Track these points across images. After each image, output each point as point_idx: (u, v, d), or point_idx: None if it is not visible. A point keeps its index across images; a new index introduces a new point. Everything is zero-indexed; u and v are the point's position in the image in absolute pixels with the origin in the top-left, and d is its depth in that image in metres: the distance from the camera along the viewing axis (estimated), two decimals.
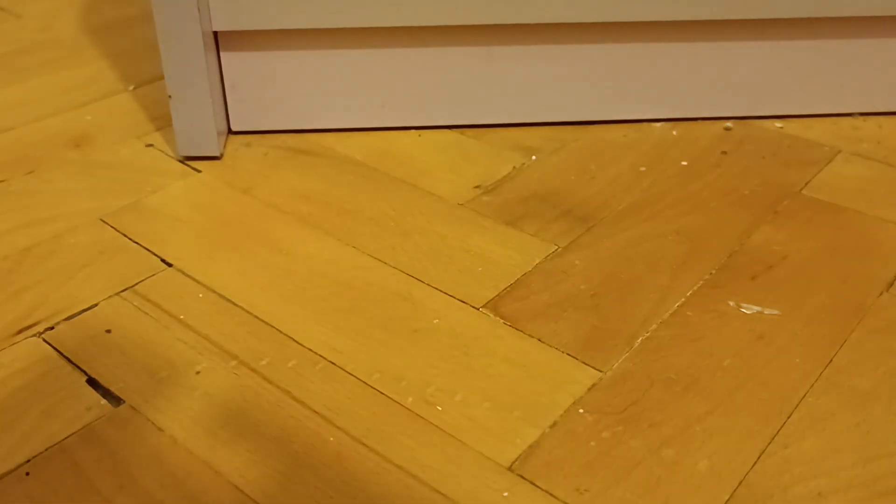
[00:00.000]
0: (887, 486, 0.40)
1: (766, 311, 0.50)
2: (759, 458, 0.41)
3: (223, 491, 0.39)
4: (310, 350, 0.47)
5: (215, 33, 0.65)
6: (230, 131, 0.70)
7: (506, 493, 0.39)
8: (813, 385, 0.45)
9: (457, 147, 0.68)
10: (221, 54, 0.66)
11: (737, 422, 0.43)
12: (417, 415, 0.43)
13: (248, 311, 0.50)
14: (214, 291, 0.52)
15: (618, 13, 0.64)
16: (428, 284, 0.52)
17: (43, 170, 0.64)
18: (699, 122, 0.71)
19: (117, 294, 0.52)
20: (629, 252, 0.55)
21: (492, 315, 0.50)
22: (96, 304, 0.51)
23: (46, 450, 0.41)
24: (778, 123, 0.71)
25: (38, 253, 0.55)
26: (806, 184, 0.62)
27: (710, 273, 0.53)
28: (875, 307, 0.50)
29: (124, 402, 0.44)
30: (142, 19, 0.93)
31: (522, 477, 0.40)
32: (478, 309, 0.50)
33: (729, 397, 0.44)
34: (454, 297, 0.51)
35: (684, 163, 0.65)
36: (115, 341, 0.48)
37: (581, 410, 0.44)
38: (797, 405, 0.44)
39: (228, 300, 0.51)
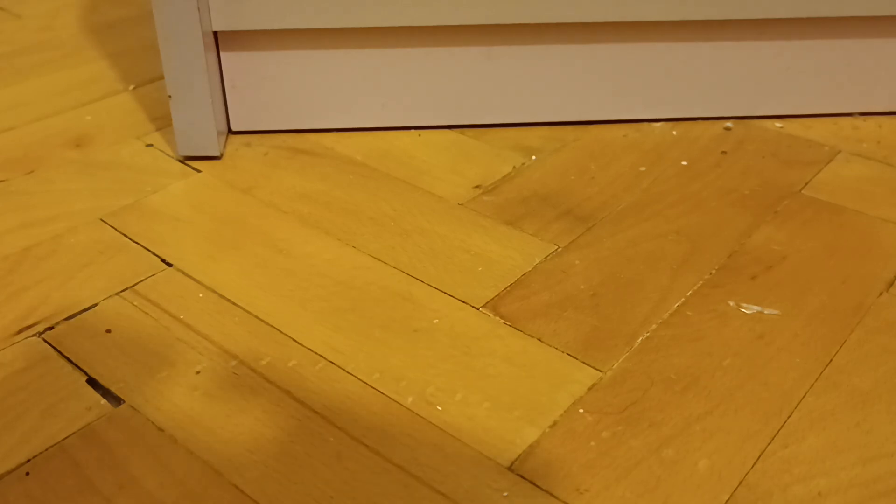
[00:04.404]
0: (887, 486, 0.40)
1: (766, 311, 0.50)
2: (759, 458, 0.41)
3: (223, 491, 0.39)
4: (310, 350, 0.47)
5: (215, 33, 0.65)
6: (230, 131, 0.70)
7: (506, 493, 0.39)
8: (813, 385, 0.45)
9: (457, 147, 0.68)
10: (221, 54, 0.66)
11: (737, 422, 0.43)
12: (417, 415, 0.43)
13: (248, 311, 0.50)
14: (214, 291, 0.52)
15: (618, 13, 0.64)
16: (428, 284, 0.52)
17: (43, 170, 0.64)
18: (699, 122, 0.71)
19: (117, 294, 0.52)
20: (629, 252, 0.55)
21: (492, 315, 0.50)
22: (96, 304, 0.51)
23: (46, 450, 0.41)
24: (778, 123, 0.71)
25: (38, 253, 0.55)
26: (806, 184, 0.62)
27: (710, 273, 0.53)
28: (875, 307, 0.50)
29: (124, 402, 0.44)
30: (142, 19, 0.93)
31: (522, 477, 0.40)
32: (478, 309, 0.50)
33: (729, 397, 0.44)
34: (454, 297, 0.51)
35: (684, 163, 0.65)
36: (115, 341, 0.48)
37: (581, 410, 0.44)
38: (797, 405, 0.44)
39: (228, 300, 0.51)
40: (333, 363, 0.47)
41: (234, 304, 0.51)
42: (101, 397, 0.44)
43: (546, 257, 0.55)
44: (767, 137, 0.69)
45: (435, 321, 0.49)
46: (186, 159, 0.66)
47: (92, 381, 0.45)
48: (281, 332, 0.49)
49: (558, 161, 0.65)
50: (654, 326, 0.49)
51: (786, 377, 0.46)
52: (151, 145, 0.68)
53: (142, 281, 0.53)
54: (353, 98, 0.68)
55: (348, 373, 0.46)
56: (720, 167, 0.64)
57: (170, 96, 0.63)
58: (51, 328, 0.49)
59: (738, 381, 0.45)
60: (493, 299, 0.51)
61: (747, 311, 0.50)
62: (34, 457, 0.41)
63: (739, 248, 0.55)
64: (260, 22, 0.63)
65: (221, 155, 0.66)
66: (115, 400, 0.44)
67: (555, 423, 0.43)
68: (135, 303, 0.51)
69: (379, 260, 0.55)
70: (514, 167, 0.65)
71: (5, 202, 0.61)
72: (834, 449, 0.41)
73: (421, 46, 0.67)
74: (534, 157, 0.66)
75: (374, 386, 0.45)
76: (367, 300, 0.51)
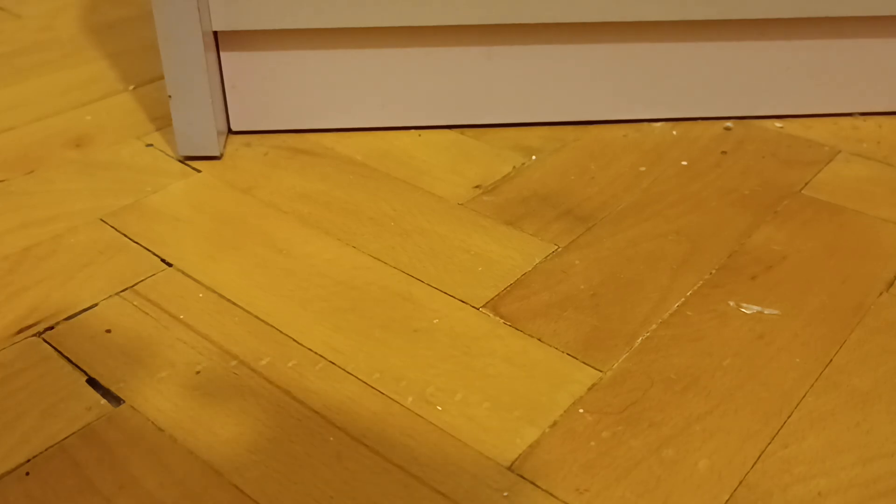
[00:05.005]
0: (887, 486, 0.40)
1: (766, 311, 0.50)
2: (759, 458, 0.41)
3: (223, 491, 0.39)
4: (310, 350, 0.47)
5: (215, 33, 0.65)
6: (230, 131, 0.70)
7: (506, 493, 0.39)
8: (813, 385, 0.45)
9: (457, 147, 0.68)
10: (221, 54, 0.66)
11: (737, 422, 0.43)
12: (417, 415, 0.43)
13: (248, 311, 0.50)
14: (214, 291, 0.52)
15: (618, 13, 0.64)
16: (428, 284, 0.52)
17: (43, 170, 0.64)
18: (699, 122, 0.71)
19: (117, 294, 0.52)
20: (629, 252, 0.55)
21: (492, 315, 0.50)
22: (96, 304, 0.51)
23: (46, 450, 0.41)
24: (778, 123, 0.71)
25: (38, 253, 0.55)
26: (806, 184, 0.62)
27: (710, 273, 0.53)
28: (875, 307, 0.50)
29: (124, 401, 0.44)
30: (142, 19, 0.93)
31: (522, 477, 0.40)
32: (478, 309, 0.50)
33: (729, 397, 0.44)
34: (454, 297, 0.51)
35: (684, 163, 0.65)
36: (115, 341, 0.48)
37: (581, 410, 0.44)
38: (797, 405, 0.44)
39: (228, 300, 0.51)
40: (333, 363, 0.47)
41: (234, 304, 0.51)
42: (101, 397, 0.44)
43: (546, 257, 0.55)
44: (767, 137, 0.69)
45: (435, 321, 0.49)
46: (186, 159, 0.66)
47: (92, 381, 0.45)
48: (281, 332, 0.49)
49: (558, 161, 0.65)
50: (654, 326, 0.49)
51: (786, 377, 0.46)
52: (151, 145, 0.68)
53: (142, 281, 0.53)
54: (353, 98, 0.68)
55: (348, 373, 0.46)
56: (720, 167, 0.64)
57: (170, 96, 0.63)
58: (51, 328, 0.49)
59: (738, 381, 0.45)
60: (493, 299, 0.51)
61: (747, 311, 0.50)
62: (34, 457, 0.41)
63: (739, 248, 0.55)
64: (260, 22, 0.63)
65: (221, 155, 0.66)
66: (115, 400, 0.44)
67: (555, 423, 0.43)
68: (135, 303, 0.51)
69: (379, 260, 0.55)
70: (514, 167, 0.65)
71: (5, 202, 0.61)
72: (834, 449, 0.41)
73: (421, 46, 0.67)
74: (534, 157, 0.66)
75: (374, 386, 0.45)
76: (367, 300, 0.51)
